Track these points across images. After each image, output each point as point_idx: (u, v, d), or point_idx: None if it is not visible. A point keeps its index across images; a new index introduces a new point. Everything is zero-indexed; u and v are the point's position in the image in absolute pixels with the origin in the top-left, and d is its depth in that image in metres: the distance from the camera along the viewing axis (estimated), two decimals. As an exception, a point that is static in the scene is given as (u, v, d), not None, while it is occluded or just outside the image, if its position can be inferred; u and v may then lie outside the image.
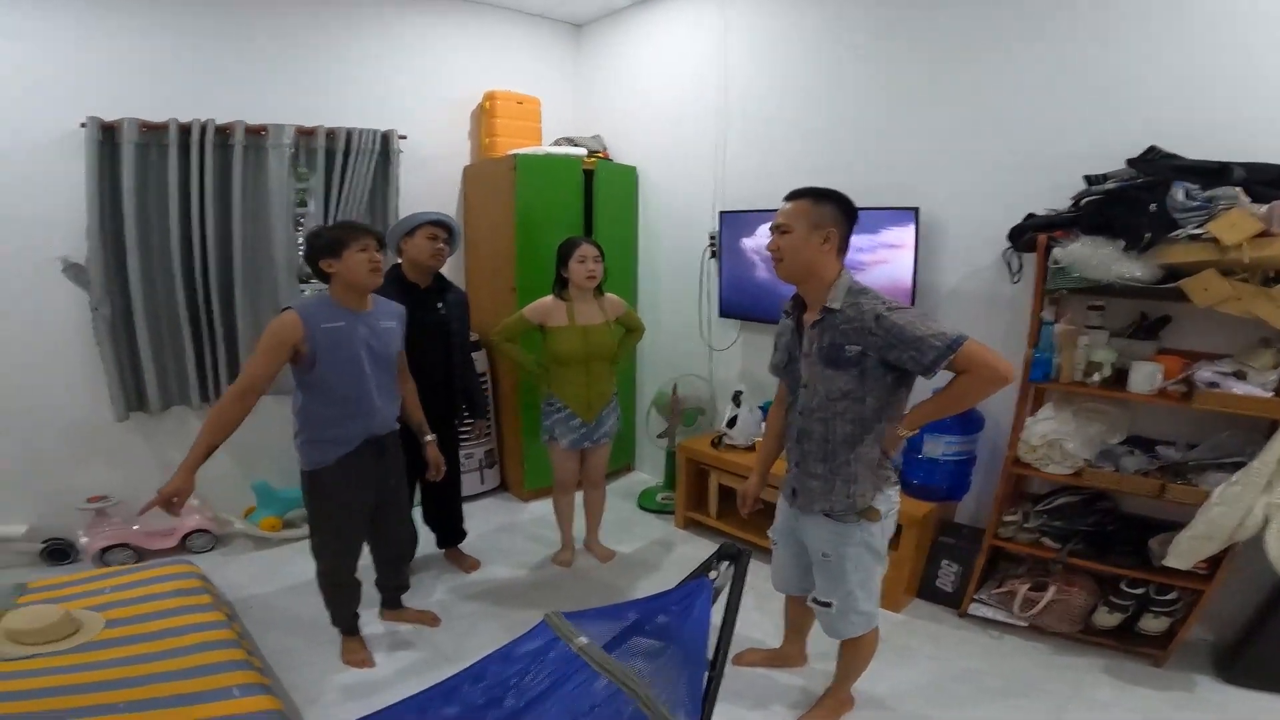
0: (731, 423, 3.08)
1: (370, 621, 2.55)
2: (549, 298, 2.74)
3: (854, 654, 1.95)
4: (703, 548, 3.16)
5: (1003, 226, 2.35)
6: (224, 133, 3.07)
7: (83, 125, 2.80)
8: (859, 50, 2.85)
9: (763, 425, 3.05)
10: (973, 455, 2.59)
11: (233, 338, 3.23)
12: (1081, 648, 2.33)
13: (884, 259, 2.67)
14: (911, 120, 2.71)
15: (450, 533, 3.03)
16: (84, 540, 2.98)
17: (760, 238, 3.01)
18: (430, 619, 2.60)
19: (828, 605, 1.84)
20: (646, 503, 3.64)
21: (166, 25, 2.99)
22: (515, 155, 3.42)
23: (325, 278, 2.10)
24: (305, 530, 3.26)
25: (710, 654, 1.48)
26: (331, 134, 3.31)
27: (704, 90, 3.45)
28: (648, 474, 4.05)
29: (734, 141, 3.31)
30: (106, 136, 2.86)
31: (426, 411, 2.50)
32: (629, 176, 3.83)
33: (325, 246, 2.06)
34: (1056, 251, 2.04)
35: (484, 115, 3.80)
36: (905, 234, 2.59)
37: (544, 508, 3.60)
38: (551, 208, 3.49)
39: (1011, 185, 2.43)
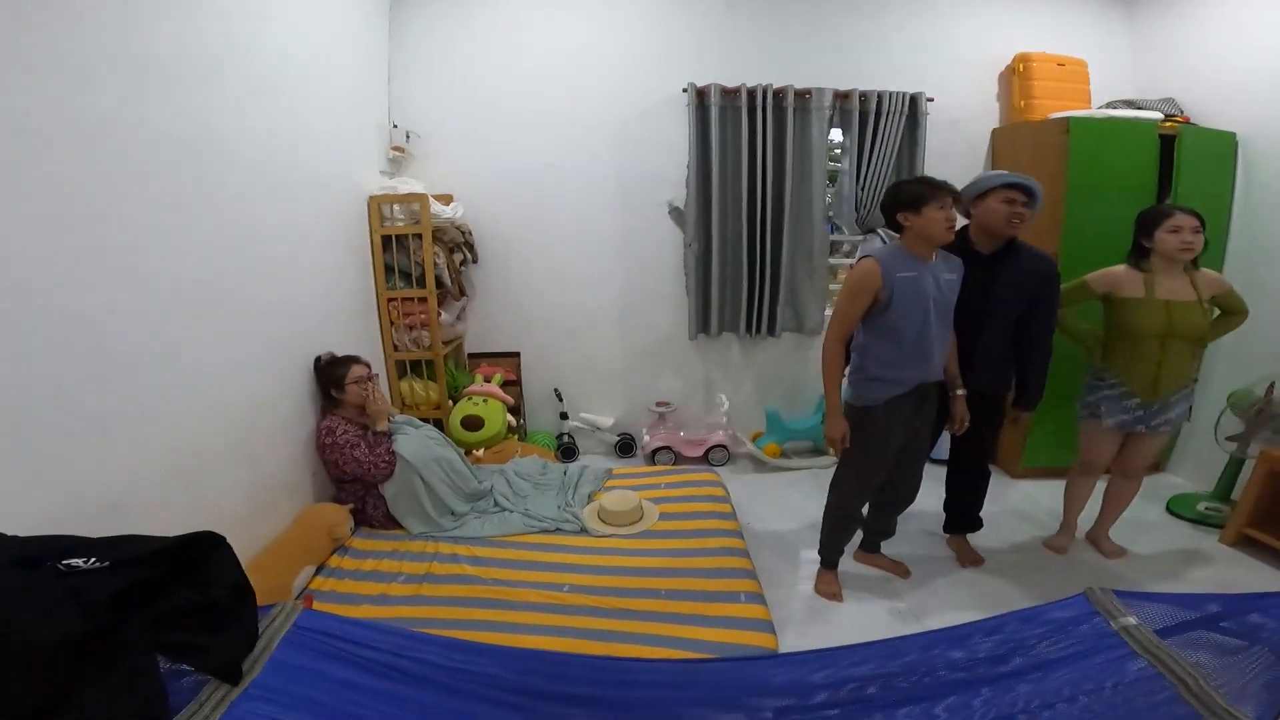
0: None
1: (844, 560, 2.62)
2: (1120, 267, 2.52)
3: None
4: (1257, 571, 2.69)
5: None
6: (779, 96, 3.45)
7: (684, 90, 3.39)
8: None
9: None
10: None
11: (777, 279, 3.66)
12: None
13: None
14: None
15: (963, 519, 2.83)
16: (646, 439, 3.66)
17: None
18: (902, 570, 2.65)
19: None
20: (1180, 509, 3.20)
21: (733, 2, 3.47)
22: (1068, 118, 3.19)
23: (898, 228, 2.19)
24: (799, 463, 3.62)
25: None
26: (865, 96, 3.49)
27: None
28: (1184, 478, 3.56)
29: None
30: (700, 100, 3.42)
31: (982, 367, 2.46)
32: (1226, 144, 3.28)
33: (908, 200, 2.13)
34: None
35: (1015, 78, 3.62)
36: None
37: (1037, 489, 3.42)
38: (1113, 175, 3.18)
39: None
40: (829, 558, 2.57)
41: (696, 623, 1.99)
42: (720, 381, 3.85)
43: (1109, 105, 3.48)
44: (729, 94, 3.44)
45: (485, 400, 3.22)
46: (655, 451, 3.59)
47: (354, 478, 2.55)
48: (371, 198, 3.01)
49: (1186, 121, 3.33)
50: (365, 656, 1.33)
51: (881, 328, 2.21)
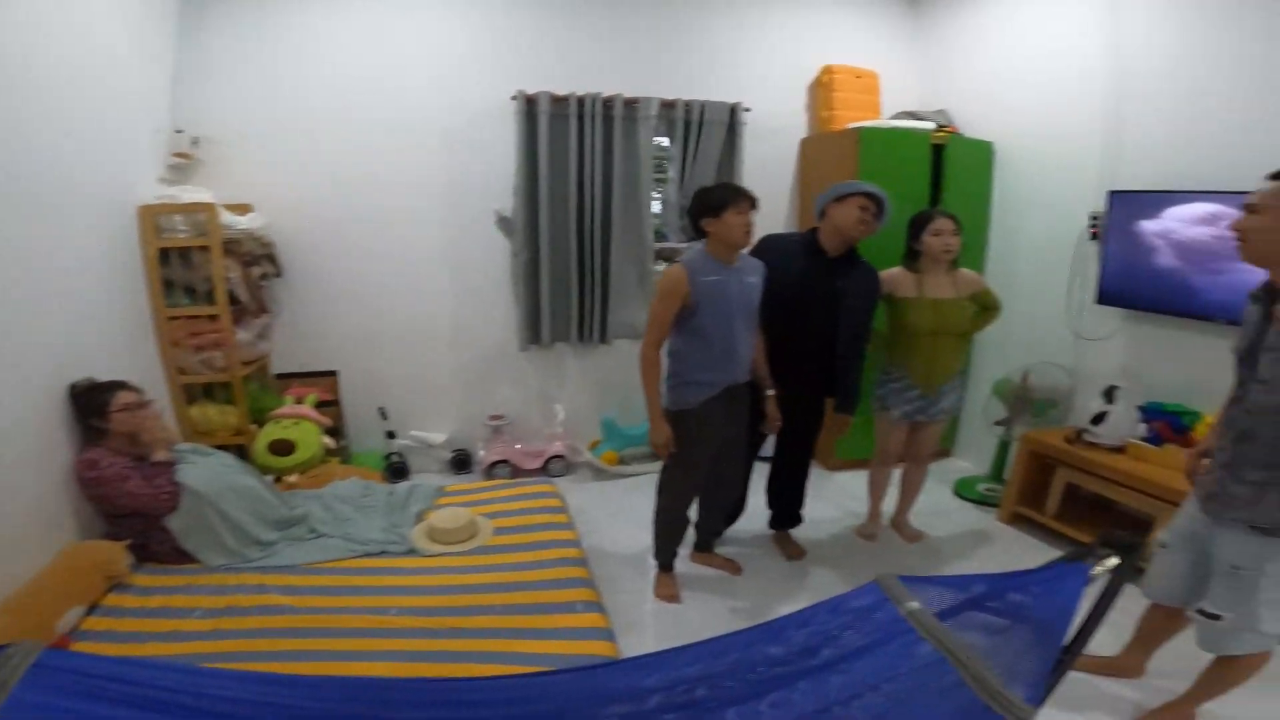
0: (1098, 419, 2.87)
1: (683, 562, 2.73)
2: (897, 269, 2.74)
3: (1225, 673, 1.79)
4: (1029, 546, 3.01)
5: None
6: (608, 104, 3.50)
7: (513, 98, 3.37)
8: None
9: (1140, 427, 2.82)
10: None
11: (607, 286, 3.70)
12: None
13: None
14: None
15: (786, 515, 2.99)
16: (481, 453, 3.61)
17: (1168, 222, 2.73)
18: (734, 568, 2.78)
19: (1216, 618, 1.69)
20: (966, 491, 3.55)
21: (567, 10, 3.49)
22: (859, 128, 3.45)
23: (702, 234, 2.29)
24: (638, 469, 3.70)
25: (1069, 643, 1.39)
26: (689, 106, 3.61)
27: (1082, 57, 3.15)
28: (968, 462, 3.92)
29: (1132, 114, 3.00)
30: (529, 107, 3.41)
31: (804, 381, 2.59)
32: (984, 152, 3.66)
33: (709, 206, 2.24)
34: None
35: (821, 89, 3.87)
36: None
37: (850, 480, 3.67)
38: (895, 182, 3.36)
39: None
40: (664, 561, 2.64)
41: (533, 636, 1.99)
42: (556, 391, 3.86)
43: (896, 116, 3.77)
44: (559, 101, 3.44)
45: (296, 423, 3.06)
46: (492, 465, 3.56)
47: (131, 512, 2.34)
48: (144, 207, 2.75)
49: (955, 131, 3.67)
50: (136, 694, 1.22)
51: (690, 331, 2.30)
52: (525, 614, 2.09)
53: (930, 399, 2.78)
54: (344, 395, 3.52)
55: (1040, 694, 1.38)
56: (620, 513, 3.22)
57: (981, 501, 3.44)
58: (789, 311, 2.51)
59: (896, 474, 3.11)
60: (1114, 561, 1.48)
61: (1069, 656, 1.48)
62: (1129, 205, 2.87)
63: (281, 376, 3.39)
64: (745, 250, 2.38)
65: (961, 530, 3.22)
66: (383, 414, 3.52)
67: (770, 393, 2.56)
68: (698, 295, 2.24)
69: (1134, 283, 2.88)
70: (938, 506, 3.42)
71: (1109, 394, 2.90)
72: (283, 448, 3.00)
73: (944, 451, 3.98)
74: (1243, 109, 2.61)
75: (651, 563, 2.69)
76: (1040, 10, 3.38)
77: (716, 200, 2.24)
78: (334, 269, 3.40)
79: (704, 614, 2.49)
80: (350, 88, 3.28)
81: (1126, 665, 2.15)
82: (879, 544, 3.07)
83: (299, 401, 3.16)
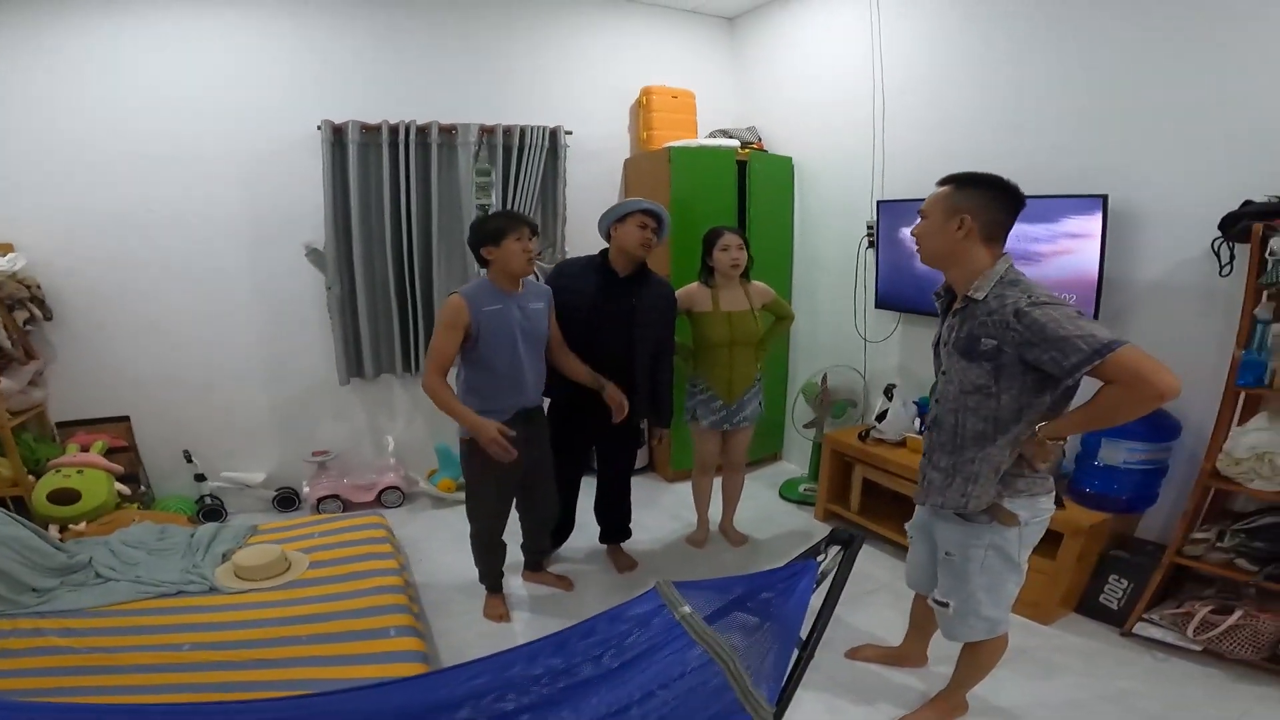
0: (881, 416, 3.03)
1: (513, 582, 2.76)
2: (695, 284, 2.84)
3: (973, 659, 1.89)
4: None
5: (1212, 215, 2.12)
6: (423, 132, 3.49)
7: (318, 128, 3.32)
8: (1038, 24, 2.67)
9: (917, 421, 3.00)
10: (1163, 465, 2.37)
11: (430, 315, 3.66)
12: (1264, 676, 2.09)
13: (1066, 249, 2.50)
14: (1104, 101, 2.50)
15: (614, 528, 3.02)
16: (306, 490, 3.52)
17: (922, 227, 2.93)
18: (566, 584, 2.81)
19: (945, 605, 1.79)
20: (789, 493, 3.67)
21: (377, 37, 3.47)
22: (670, 148, 3.58)
23: (485, 262, 2.30)
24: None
25: (805, 636, 1.50)
26: (508, 131, 3.64)
27: (858, 77, 3.39)
28: (795, 464, 4.06)
29: (892, 129, 3.23)
30: (336, 137, 3.37)
31: (599, 399, 2.55)
32: (785, 167, 3.85)
33: (488, 235, 2.24)
34: (1274, 242, 1.83)
35: (641, 110, 3.99)
36: (1090, 223, 2.41)
37: (687, 490, 3.70)
38: (705, 199, 3.60)
39: (1225, 170, 2.19)
40: (489, 583, 2.64)
41: (342, 663, 1.96)
42: (386, 423, 3.81)
43: (711, 135, 3.92)
44: (370, 130, 3.41)
45: (81, 471, 2.92)
46: (321, 501, 3.48)
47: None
48: None
49: (760, 148, 3.85)
50: None
51: (474, 361, 2.30)
52: (335, 642, 2.06)
53: (733, 408, 2.88)
54: (141, 440, 3.35)
55: (778, 690, 1.43)
56: (458, 538, 3.13)
57: (803, 502, 3.58)
58: (587, 334, 2.55)
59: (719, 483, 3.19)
60: (836, 554, 1.59)
61: (808, 651, 1.55)
62: (893, 213, 3.07)
63: (65, 425, 3.20)
64: (530, 277, 2.39)
65: (784, 531, 3.33)
66: (187, 457, 3.39)
67: (607, 386, 2.52)
68: (479, 325, 2.23)
69: (902, 286, 3.08)
70: (765, 509, 3.54)
71: (888, 392, 3.07)
72: (66, 496, 2.86)
73: (774, 455, 4.12)
74: (989, 122, 2.88)
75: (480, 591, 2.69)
76: (822, 34, 3.61)
77: (495, 228, 2.24)
78: (121, 309, 3.23)
79: (533, 631, 2.48)
80: (136, 116, 3.13)
81: (908, 654, 2.25)
82: (707, 550, 3.14)
83: (85, 449, 3.02)
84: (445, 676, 1.60)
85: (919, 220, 1.70)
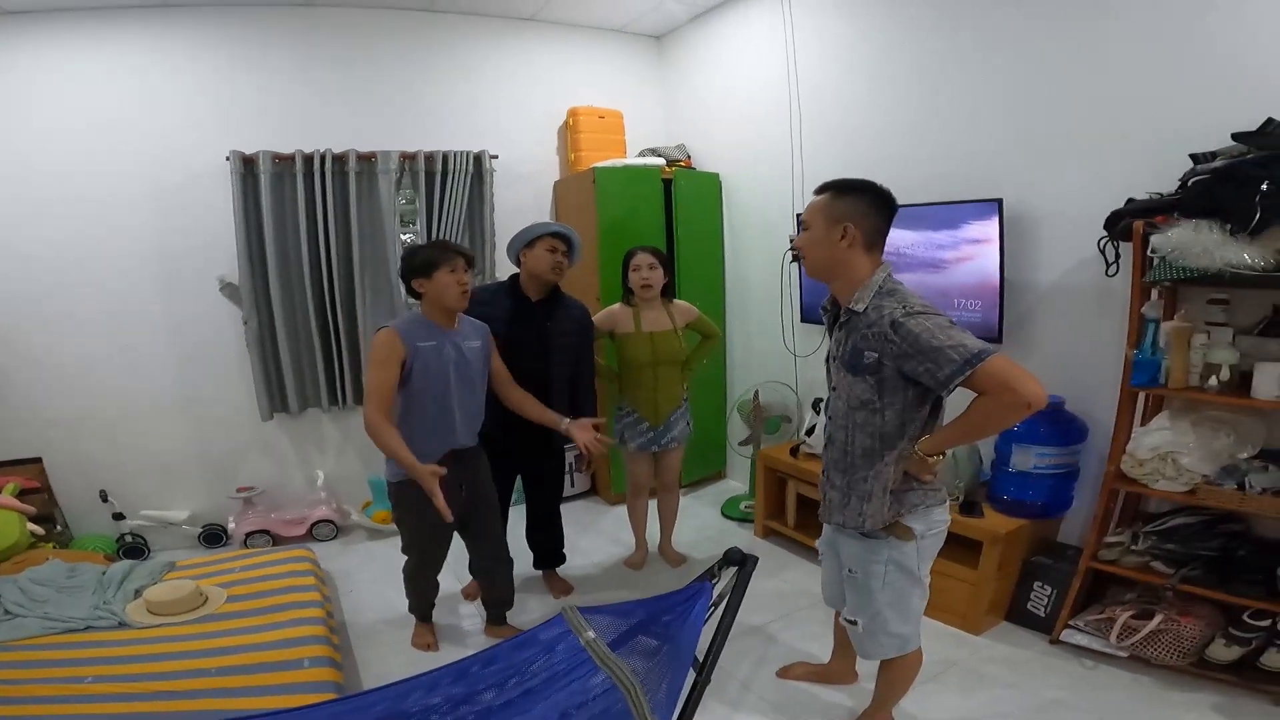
0: (811, 431, 3.00)
1: (475, 632, 2.65)
2: (617, 305, 2.79)
3: (889, 676, 1.84)
4: (779, 557, 3.10)
5: (1101, 214, 2.12)
6: (340, 160, 3.43)
7: (227, 159, 3.25)
8: (932, 34, 2.70)
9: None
10: (1074, 469, 2.36)
11: (355, 347, 3.60)
12: (1193, 682, 2.06)
13: (968, 255, 2.50)
14: (994, 105, 2.53)
15: (547, 554, 2.96)
16: (233, 526, 3.43)
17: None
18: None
19: (854, 624, 1.75)
20: (730, 511, 3.62)
21: (286, 66, 3.41)
22: (595, 168, 3.55)
23: (417, 294, 2.18)
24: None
25: (703, 657, 1.47)
26: (430, 157, 3.58)
27: (776, 93, 3.40)
28: (738, 482, 4.01)
29: (809, 143, 3.24)
30: (247, 168, 3.30)
31: (527, 431, 2.48)
32: (712, 184, 3.84)
33: (419, 267, 2.11)
34: (1155, 239, 1.82)
35: (568, 131, 3.97)
36: (989, 228, 2.41)
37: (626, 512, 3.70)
38: (632, 219, 3.57)
39: (1111, 169, 2.20)
40: (418, 614, 2.57)
41: (250, 694, 1.93)
42: (316, 457, 3.71)
43: (641, 154, 3.91)
44: (283, 160, 3.34)
45: (-13, 515, 2.80)
46: (249, 536, 3.39)
47: None
48: None
49: (688, 166, 3.84)
50: None
51: (403, 399, 2.15)
52: (246, 674, 2.02)
53: (660, 429, 2.82)
54: (55, 480, 3.24)
55: (675, 716, 1.42)
56: (391, 570, 3.04)
57: (744, 519, 3.52)
58: (504, 361, 2.46)
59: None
60: (731, 575, 1.56)
61: (702, 679, 1.51)
62: (810, 227, 3.06)
63: (-30, 469, 3.09)
64: (462, 311, 2.23)
65: (723, 549, 3.24)
66: (103, 496, 3.29)
67: (566, 423, 2.38)
68: (413, 360, 2.09)
69: (821, 300, 3.05)
70: (706, 527, 3.49)
71: (816, 406, 3.03)
72: (-28, 539, 2.74)
73: (718, 474, 4.07)
74: (895, 130, 2.90)
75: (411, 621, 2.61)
76: (742, 49, 3.62)
77: (425, 260, 2.11)
78: (26, 351, 3.14)
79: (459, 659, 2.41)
80: (30, 154, 3.05)
81: (837, 672, 2.21)
82: (645, 571, 3.08)
83: (-6, 492, 2.91)
84: (340, 706, 1.56)
85: (801, 230, 1.65)
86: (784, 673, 2.25)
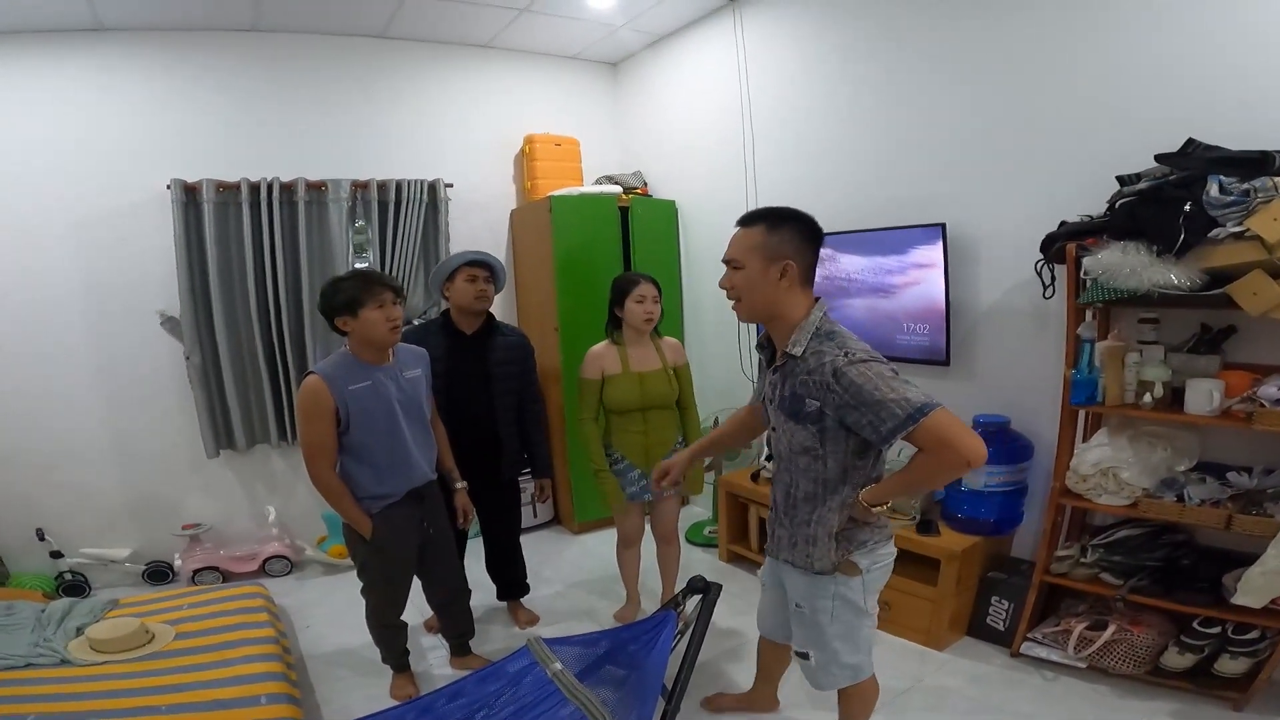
0: (770, 456, 2.99)
1: (440, 665, 2.56)
2: (600, 345, 2.50)
3: (848, 705, 1.80)
4: (742, 581, 3.07)
5: (1037, 237, 2.18)
6: (288, 189, 3.36)
7: (168, 187, 3.15)
8: (877, 61, 2.78)
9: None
10: (1022, 485, 2.41)
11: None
12: (1150, 690, 2.09)
13: (915, 280, 2.56)
14: (937, 130, 2.60)
15: (510, 584, 2.87)
16: (179, 563, 3.29)
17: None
18: (479, 660, 2.53)
19: (805, 657, 1.71)
20: (694, 536, 3.59)
21: (231, 92, 3.34)
22: (551, 197, 3.55)
23: (342, 332, 2.01)
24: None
25: (671, 685, 1.48)
26: (383, 186, 3.54)
27: (730, 119, 3.47)
28: (701, 507, 3.99)
29: (761, 169, 3.31)
30: (189, 197, 3.21)
31: (477, 466, 2.43)
32: (668, 211, 3.87)
33: (344, 305, 1.93)
34: (1086, 261, 1.89)
35: (524, 159, 3.97)
36: (933, 252, 2.48)
37: (594, 541, 3.65)
38: (589, 247, 3.58)
39: (1045, 192, 2.28)
40: (393, 663, 2.37)
41: None
42: (266, 494, 3.57)
43: (598, 181, 3.92)
44: (227, 189, 3.25)
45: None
46: (196, 573, 3.26)
47: None
48: None
49: (645, 193, 3.87)
50: None
51: (348, 447, 2.01)
52: (200, 711, 1.95)
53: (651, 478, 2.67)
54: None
55: None
56: (350, 604, 2.91)
57: (708, 544, 3.50)
58: (444, 399, 2.40)
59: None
60: (696, 603, 1.54)
61: (672, 707, 1.48)
62: (763, 252, 3.11)
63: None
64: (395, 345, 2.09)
65: (688, 575, 3.20)
66: (40, 535, 3.14)
67: (459, 485, 2.35)
68: (347, 408, 1.94)
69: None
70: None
71: (774, 430, 3.04)
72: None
73: (682, 500, 4.04)
74: (843, 157, 2.96)
75: (371, 656, 2.46)
76: (696, 75, 3.68)
77: (349, 299, 1.93)
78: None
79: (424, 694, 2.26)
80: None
81: (759, 699, 2.16)
82: (617, 603, 2.94)
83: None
84: None
85: (730, 269, 1.52)
86: (709, 703, 2.17)
